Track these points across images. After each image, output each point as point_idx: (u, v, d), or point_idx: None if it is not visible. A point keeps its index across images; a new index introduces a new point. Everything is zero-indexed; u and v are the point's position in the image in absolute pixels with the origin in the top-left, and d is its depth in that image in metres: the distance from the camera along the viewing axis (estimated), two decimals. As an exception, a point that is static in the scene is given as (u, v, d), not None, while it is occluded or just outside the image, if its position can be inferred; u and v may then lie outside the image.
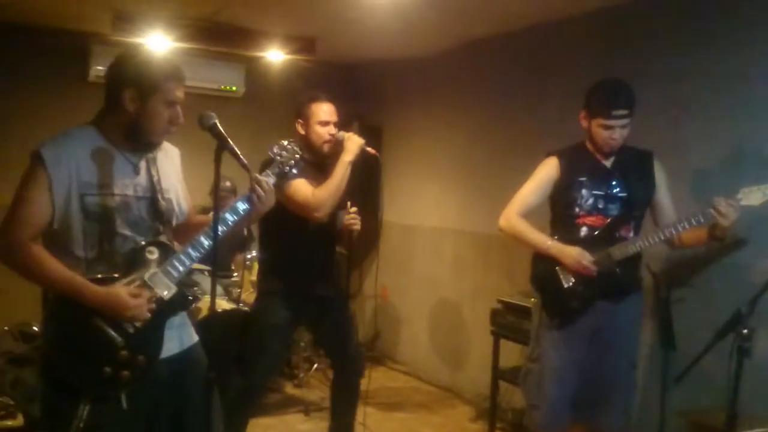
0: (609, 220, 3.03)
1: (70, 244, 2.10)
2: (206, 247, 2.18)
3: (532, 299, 3.30)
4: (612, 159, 3.07)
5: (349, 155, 3.30)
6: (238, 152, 2.11)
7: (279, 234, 3.41)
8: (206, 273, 4.59)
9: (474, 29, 4.77)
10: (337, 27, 4.82)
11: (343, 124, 3.50)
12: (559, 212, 3.16)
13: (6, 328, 4.65)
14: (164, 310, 2.16)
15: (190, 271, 2.23)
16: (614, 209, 3.04)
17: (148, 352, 2.14)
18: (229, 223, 2.23)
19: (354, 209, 3.47)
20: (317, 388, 5.12)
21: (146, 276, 2.12)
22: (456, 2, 4.05)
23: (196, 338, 2.39)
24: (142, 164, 2.23)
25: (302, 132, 3.40)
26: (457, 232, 5.36)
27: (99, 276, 2.09)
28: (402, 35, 4.92)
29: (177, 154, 2.42)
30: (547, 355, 3.11)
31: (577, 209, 3.06)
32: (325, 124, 3.38)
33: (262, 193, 2.25)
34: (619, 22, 3.98)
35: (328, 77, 5.77)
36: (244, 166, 2.11)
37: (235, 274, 5.06)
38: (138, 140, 2.18)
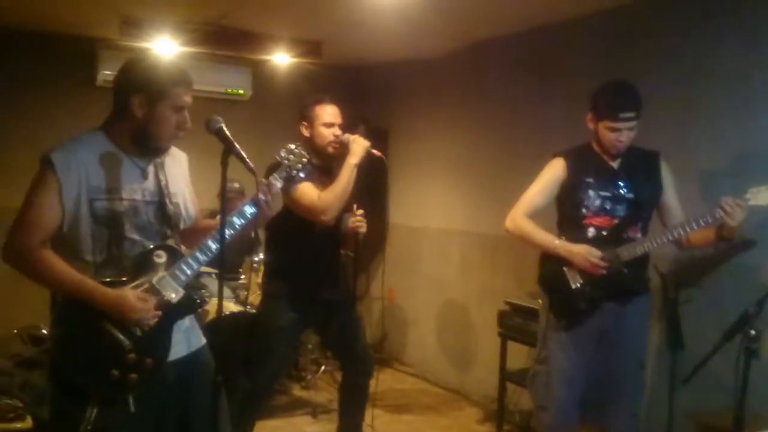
0: (616, 221, 3.02)
1: (78, 249, 2.11)
2: (213, 250, 2.19)
3: (540, 300, 3.30)
4: (619, 160, 3.07)
5: (354, 158, 3.30)
6: (245, 156, 2.12)
7: (285, 237, 3.42)
8: (214, 276, 4.62)
9: (479, 31, 4.77)
10: (343, 30, 4.83)
11: (349, 127, 3.50)
12: (566, 213, 3.15)
13: (15, 331, 4.69)
14: (172, 313, 2.17)
15: (198, 274, 2.24)
16: (621, 210, 3.03)
17: (156, 355, 2.15)
18: (237, 226, 2.24)
19: (360, 212, 3.47)
20: (325, 390, 5.13)
21: (154, 280, 2.14)
22: (461, 4, 4.05)
23: (203, 341, 2.40)
24: (150, 169, 2.24)
25: (307, 134, 3.41)
26: (464, 234, 5.36)
27: (107, 280, 2.10)
28: (407, 38, 4.93)
29: (185, 158, 2.44)
30: (554, 357, 3.11)
31: (584, 210, 3.05)
32: (330, 125, 3.39)
33: (269, 197, 2.27)
34: (624, 23, 3.97)
35: (334, 80, 5.78)
36: (250, 169, 2.12)
37: (243, 276, 5.08)
38: (146, 145, 2.20)
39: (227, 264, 4.01)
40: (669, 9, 3.73)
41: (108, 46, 5.11)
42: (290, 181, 2.44)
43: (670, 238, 2.93)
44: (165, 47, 4.88)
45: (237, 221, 2.24)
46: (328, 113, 3.40)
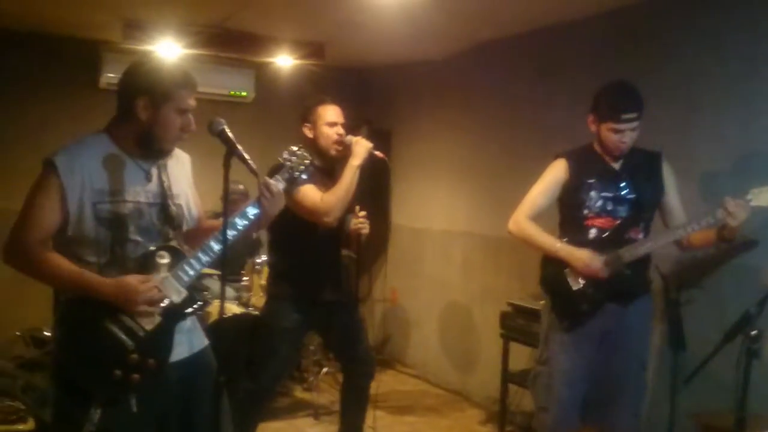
0: (618, 222, 3.03)
1: (82, 250, 2.12)
2: (216, 251, 2.20)
3: (542, 302, 3.31)
4: (620, 161, 3.07)
5: (357, 159, 3.31)
6: (247, 157, 2.13)
7: (288, 239, 3.43)
8: (216, 277, 4.62)
9: (482, 32, 4.78)
10: (346, 32, 4.84)
11: (352, 128, 3.51)
12: (567, 214, 3.16)
13: (17, 333, 4.70)
14: (175, 314, 2.18)
15: (200, 276, 2.25)
16: (623, 211, 3.04)
17: (159, 355, 2.16)
18: (239, 227, 2.25)
19: (363, 213, 3.48)
20: (327, 392, 5.13)
21: (157, 280, 2.14)
22: (464, 5, 4.05)
23: (205, 342, 2.40)
24: (154, 171, 2.25)
25: (310, 135, 3.42)
26: (467, 235, 5.36)
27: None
28: (410, 39, 4.93)
29: (188, 160, 2.45)
30: (556, 358, 3.11)
31: (585, 211, 3.06)
32: (333, 125, 3.40)
33: (271, 198, 2.28)
34: (626, 24, 3.98)
35: (337, 82, 5.78)
36: (252, 171, 2.13)
37: (245, 278, 5.09)
38: (150, 147, 2.21)
39: (230, 265, 4.02)
40: (670, 9, 3.74)
41: (111, 48, 5.12)
42: (293, 182, 2.45)
43: (672, 239, 2.93)
44: (168, 49, 4.89)
45: (240, 222, 2.25)
46: (331, 112, 3.41)
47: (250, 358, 3.48)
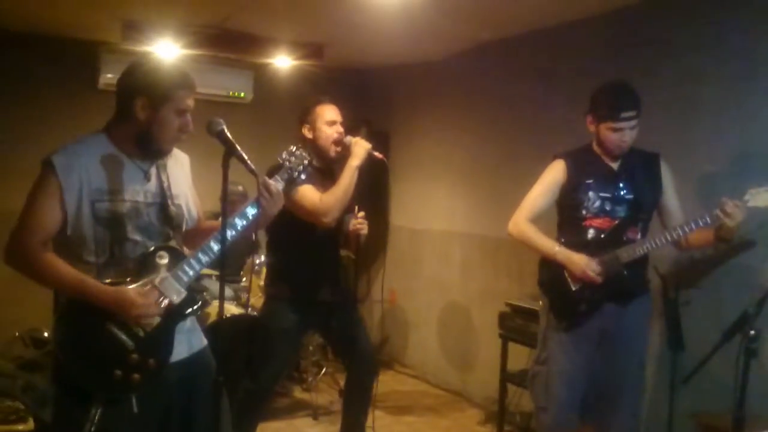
0: (616, 223, 3.03)
1: (81, 250, 2.12)
2: (216, 251, 2.20)
3: (540, 302, 3.31)
4: (619, 161, 3.08)
5: (356, 160, 3.31)
6: (246, 158, 2.13)
7: (287, 239, 3.43)
8: (214, 278, 4.62)
9: (481, 33, 4.78)
10: (345, 32, 4.85)
11: (350, 129, 3.52)
12: (566, 215, 3.16)
13: (17, 333, 4.70)
14: (174, 314, 2.18)
15: (199, 277, 2.25)
16: (621, 211, 3.04)
17: (159, 355, 2.16)
18: (239, 227, 2.25)
19: (362, 214, 3.48)
20: (326, 392, 5.14)
21: (156, 281, 2.15)
22: (463, 6, 4.06)
23: (205, 342, 2.41)
24: (153, 171, 2.25)
25: (309, 136, 3.42)
26: (465, 236, 5.37)
27: (109, 281, 2.11)
28: (409, 40, 4.94)
29: (187, 160, 2.45)
30: (554, 358, 3.12)
31: (584, 212, 3.06)
32: (333, 123, 3.40)
33: (270, 198, 2.28)
34: (625, 25, 3.98)
35: (336, 82, 5.79)
36: (251, 171, 2.13)
37: (244, 278, 5.09)
38: (149, 148, 2.21)
39: (228, 266, 4.02)
40: (669, 10, 3.74)
41: (110, 49, 5.12)
42: (291, 182, 2.46)
43: (669, 239, 2.94)
44: (166, 50, 4.89)
45: (239, 222, 2.25)
46: (330, 112, 3.42)
47: (249, 358, 3.48)
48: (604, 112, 2.97)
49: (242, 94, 5.75)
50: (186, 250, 2.28)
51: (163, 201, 2.25)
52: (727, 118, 3.44)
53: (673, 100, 3.66)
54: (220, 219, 2.20)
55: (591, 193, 3.05)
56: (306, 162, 2.45)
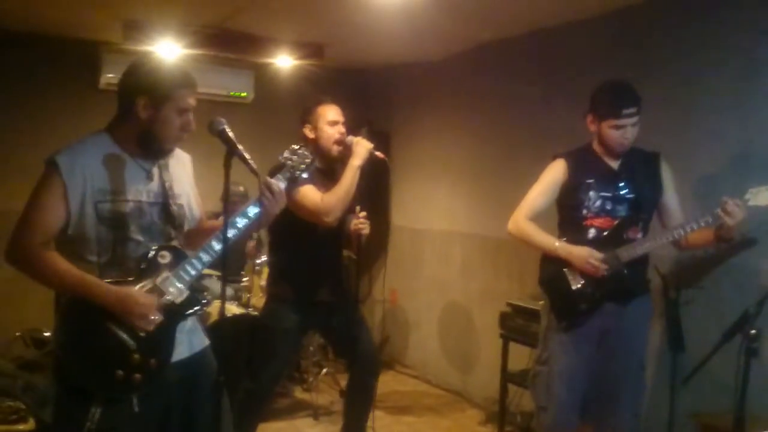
0: (617, 222, 3.03)
1: (83, 250, 2.13)
2: (218, 251, 2.20)
3: (541, 302, 3.31)
4: (619, 161, 3.08)
5: (357, 159, 3.31)
6: (247, 157, 2.13)
7: (288, 239, 3.43)
8: (216, 278, 4.63)
9: (482, 33, 4.78)
10: (346, 32, 4.85)
11: (352, 129, 3.51)
12: (566, 214, 3.16)
13: (17, 334, 4.71)
14: (175, 314, 2.19)
15: (201, 276, 2.25)
16: (622, 211, 3.04)
17: (160, 355, 2.16)
18: (240, 227, 2.25)
19: (363, 214, 3.48)
20: (326, 393, 5.14)
21: (158, 280, 2.15)
22: (464, 6, 4.06)
23: (206, 342, 2.41)
24: (155, 170, 2.26)
25: (311, 136, 3.42)
26: (466, 236, 5.37)
27: (110, 280, 2.11)
28: (410, 40, 4.94)
29: (188, 159, 2.45)
30: (555, 358, 3.12)
31: (584, 211, 3.06)
32: (334, 123, 3.40)
33: (272, 197, 2.28)
34: (626, 26, 3.99)
35: (337, 82, 5.79)
36: (253, 171, 2.13)
37: (245, 278, 5.09)
38: (150, 147, 2.21)
39: (229, 266, 4.03)
40: (669, 10, 3.75)
41: (111, 49, 5.12)
42: (293, 182, 2.45)
43: (670, 238, 2.94)
44: (167, 50, 4.89)
45: (240, 222, 2.25)
46: (332, 112, 3.41)
47: (250, 358, 3.48)
48: (606, 110, 2.97)
49: (243, 94, 5.75)
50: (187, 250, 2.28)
51: (165, 201, 2.25)
52: (727, 119, 3.44)
53: (673, 100, 3.66)
54: (221, 218, 2.20)
55: (591, 193, 3.05)
56: (308, 161, 2.45)
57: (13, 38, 5.01)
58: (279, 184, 2.33)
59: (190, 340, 2.32)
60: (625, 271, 2.97)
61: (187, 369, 2.27)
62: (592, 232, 3.05)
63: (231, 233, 2.19)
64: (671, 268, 3.48)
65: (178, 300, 2.17)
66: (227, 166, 2.11)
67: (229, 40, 4.96)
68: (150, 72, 2.19)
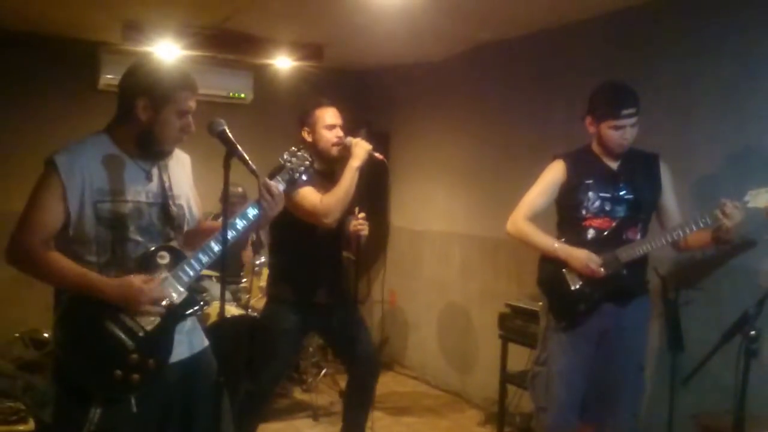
0: (616, 223, 3.03)
1: (82, 250, 2.13)
2: (216, 252, 2.20)
3: (540, 303, 3.31)
4: (618, 161, 3.08)
5: (356, 161, 3.31)
6: (247, 158, 2.13)
7: (288, 240, 3.43)
8: (214, 279, 4.63)
9: (481, 34, 4.78)
10: (345, 33, 4.85)
11: (351, 130, 3.52)
12: (565, 215, 3.17)
13: (17, 334, 4.71)
14: (174, 314, 2.19)
15: (199, 278, 2.25)
16: (621, 211, 3.04)
17: (158, 356, 2.16)
18: (239, 228, 2.25)
19: (362, 215, 3.48)
20: (326, 393, 5.14)
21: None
22: (463, 7, 4.06)
23: (205, 343, 2.41)
24: (154, 171, 2.26)
25: (309, 139, 3.42)
26: (465, 237, 5.37)
27: (110, 280, 2.12)
28: (409, 40, 4.94)
29: (188, 160, 2.45)
30: (554, 358, 3.12)
31: (583, 212, 3.07)
32: (332, 127, 3.40)
33: (271, 199, 2.28)
34: (624, 27, 3.99)
35: (336, 83, 5.79)
36: (252, 171, 2.13)
37: (244, 279, 5.09)
38: (150, 148, 2.22)
39: (229, 267, 4.03)
40: (668, 11, 3.75)
41: (110, 50, 5.12)
42: (293, 183, 2.46)
43: (669, 239, 2.94)
44: (167, 51, 4.90)
45: (239, 223, 2.25)
46: (329, 115, 3.42)
47: (250, 358, 3.48)
48: (605, 111, 2.97)
49: (242, 95, 5.75)
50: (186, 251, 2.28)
51: (164, 201, 2.25)
52: (726, 119, 3.45)
53: (672, 101, 3.66)
54: (220, 219, 2.20)
55: (591, 194, 3.05)
56: (308, 163, 2.46)
57: (12, 38, 5.01)
58: (278, 186, 2.34)
59: (190, 341, 2.32)
60: (624, 272, 2.97)
61: (186, 369, 2.27)
62: (591, 233, 3.05)
63: (230, 234, 2.19)
64: (670, 269, 3.48)
65: (177, 300, 2.17)
66: (227, 167, 2.11)
67: (228, 41, 4.96)
68: (150, 73, 2.19)
